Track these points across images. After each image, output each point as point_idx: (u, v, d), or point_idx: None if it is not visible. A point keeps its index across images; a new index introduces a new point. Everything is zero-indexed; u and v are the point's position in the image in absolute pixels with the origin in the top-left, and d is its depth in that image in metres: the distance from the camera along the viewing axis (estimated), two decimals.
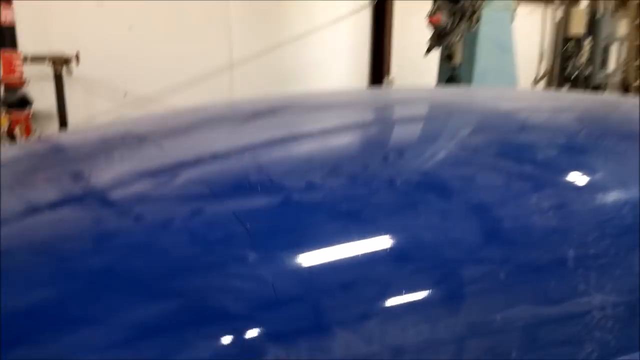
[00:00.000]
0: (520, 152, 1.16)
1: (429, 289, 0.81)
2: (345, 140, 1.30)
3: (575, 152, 1.18)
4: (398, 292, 0.79)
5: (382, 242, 0.84)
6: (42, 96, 5.72)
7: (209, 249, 0.80)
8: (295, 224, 0.87)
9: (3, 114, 4.90)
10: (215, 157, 1.14)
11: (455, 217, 0.91)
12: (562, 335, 0.88)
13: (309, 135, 1.31)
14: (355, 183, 0.99)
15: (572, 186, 1.04)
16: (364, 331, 0.76)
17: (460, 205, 0.95)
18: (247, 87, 7.42)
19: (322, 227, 0.85)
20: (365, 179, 1.00)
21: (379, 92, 2.44)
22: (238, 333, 0.70)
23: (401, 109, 1.64)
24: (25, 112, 5.07)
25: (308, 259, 0.79)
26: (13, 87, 4.99)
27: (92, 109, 6.35)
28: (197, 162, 1.11)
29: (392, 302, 0.78)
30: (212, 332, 0.69)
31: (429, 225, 0.89)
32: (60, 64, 5.29)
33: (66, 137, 1.63)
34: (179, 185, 0.99)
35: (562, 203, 0.97)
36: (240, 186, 0.97)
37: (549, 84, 7.77)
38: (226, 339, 0.69)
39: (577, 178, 1.06)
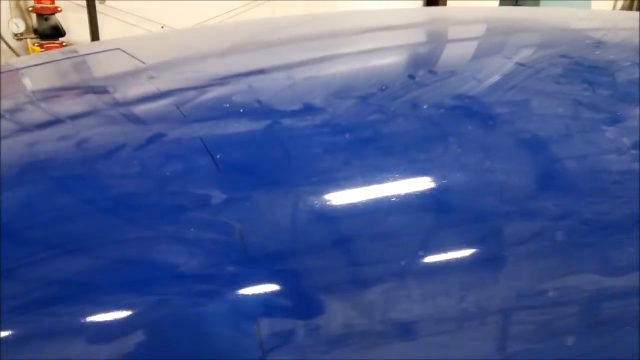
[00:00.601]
0: (591, 74, 0.96)
1: (461, 248, 0.67)
2: (374, 59, 1.11)
3: None
4: (417, 254, 0.64)
5: (398, 187, 0.67)
6: (77, 27, 5.66)
7: (163, 186, 0.62)
8: (282, 157, 0.67)
9: (35, 44, 4.85)
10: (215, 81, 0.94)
11: (499, 156, 0.75)
12: (636, 316, 0.73)
13: (327, 58, 1.13)
14: (370, 108, 0.78)
15: None
16: (366, 301, 0.62)
17: (507, 139, 0.77)
18: None
19: (316, 163, 0.69)
20: (382, 104, 0.80)
21: (427, 10, 2.18)
22: (191, 295, 0.57)
23: (448, 26, 1.47)
24: (58, 42, 5.00)
25: (292, 204, 0.64)
26: (45, 15, 4.90)
27: None
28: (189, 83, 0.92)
29: (409, 265, 0.64)
30: (159, 292, 0.57)
31: (464, 165, 0.72)
32: None
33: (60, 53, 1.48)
34: (146, 108, 0.82)
35: None
36: (224, 109, 0.77)
37: None
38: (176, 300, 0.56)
39: None
